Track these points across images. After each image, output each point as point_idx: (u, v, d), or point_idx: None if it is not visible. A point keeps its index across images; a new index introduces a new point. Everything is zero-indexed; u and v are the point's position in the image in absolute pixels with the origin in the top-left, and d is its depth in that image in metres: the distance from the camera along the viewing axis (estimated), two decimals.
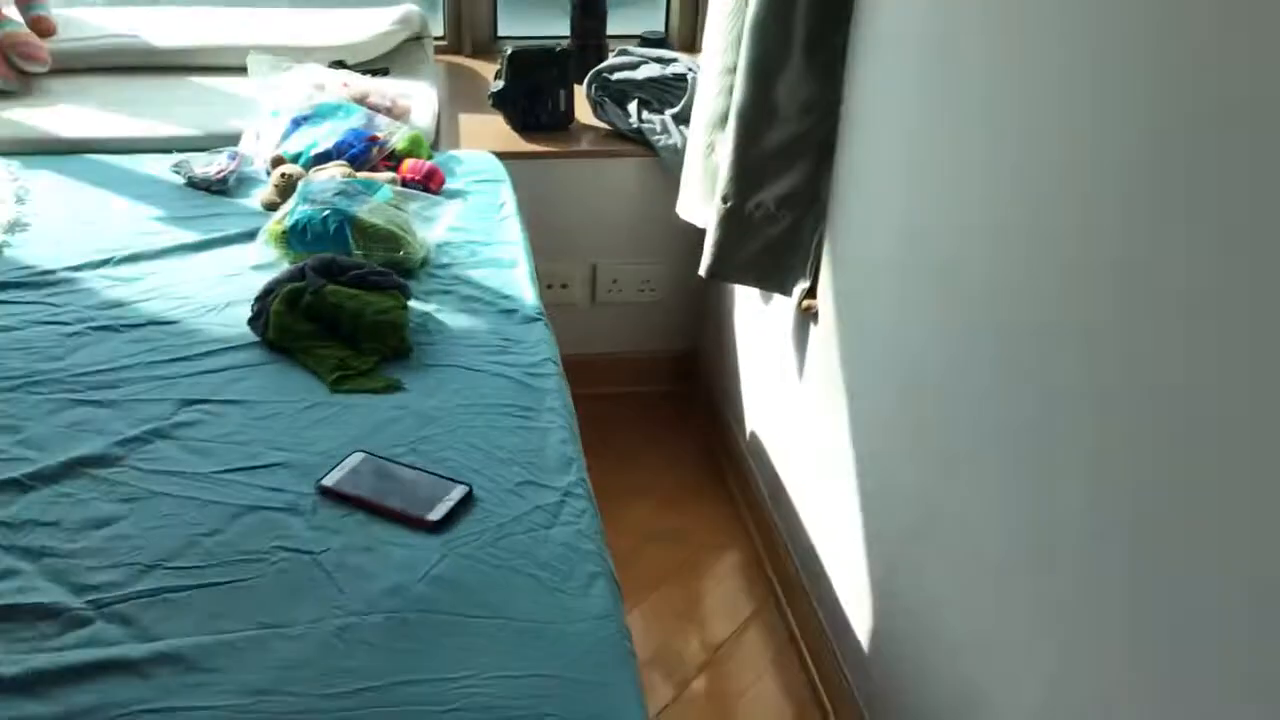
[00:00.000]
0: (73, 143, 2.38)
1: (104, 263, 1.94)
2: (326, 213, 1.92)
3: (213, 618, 1.26)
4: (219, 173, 2.20)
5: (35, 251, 1.97)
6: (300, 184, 2.02)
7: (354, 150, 2.21)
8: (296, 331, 1.72)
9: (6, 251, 1.96)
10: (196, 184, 2.21)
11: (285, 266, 1.93)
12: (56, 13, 2.83)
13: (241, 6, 2.95)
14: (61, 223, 2.07)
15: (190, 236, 2.04)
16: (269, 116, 2.34)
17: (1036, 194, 1.35)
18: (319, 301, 1.75)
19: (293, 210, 1.96)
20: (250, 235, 2.02)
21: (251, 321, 1.76)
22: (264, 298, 1.78)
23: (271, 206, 2.14)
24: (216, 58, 2.72)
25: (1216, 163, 1.03)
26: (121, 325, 1.78)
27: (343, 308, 1.74)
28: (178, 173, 2.24)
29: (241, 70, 2.58)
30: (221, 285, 1.90)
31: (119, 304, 1.83)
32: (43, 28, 2.72)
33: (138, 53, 2.72)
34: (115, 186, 2.22)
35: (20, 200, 2.13)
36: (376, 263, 1.89)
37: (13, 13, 2.76)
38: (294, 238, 1.93)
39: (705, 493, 2.70)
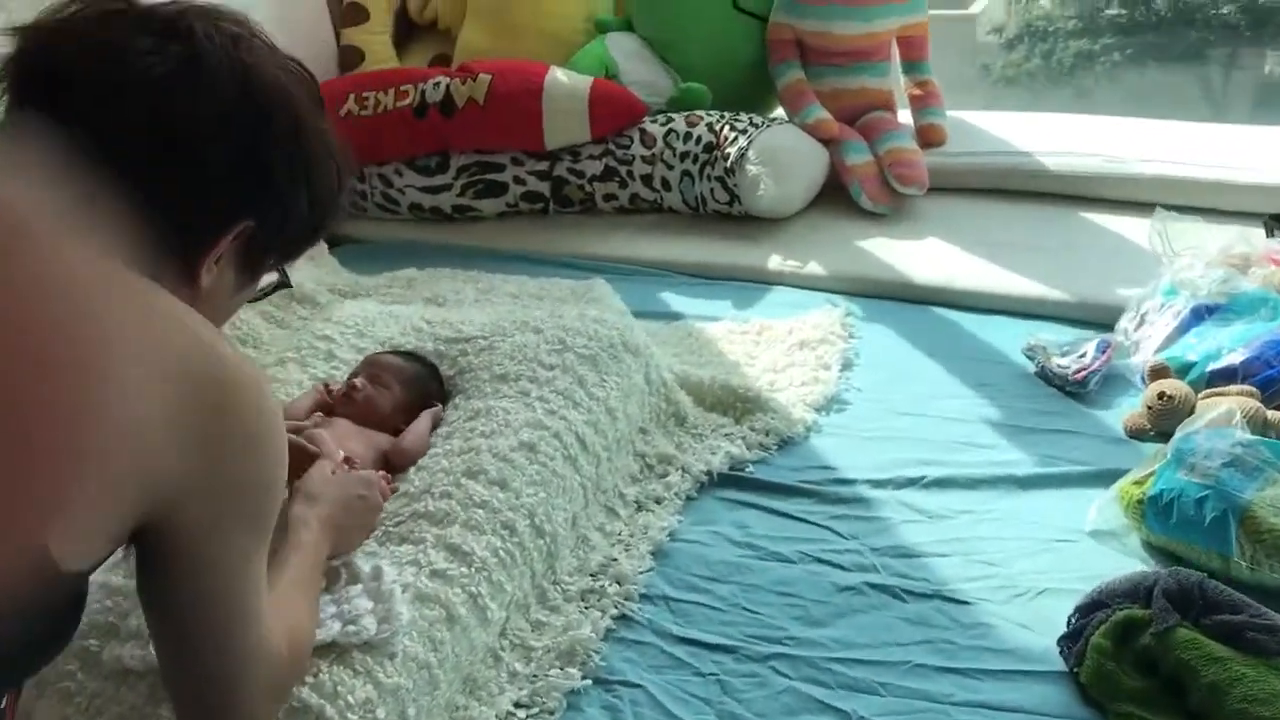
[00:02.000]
0: (922, 290, 2.09)
1: (912, 482, 1.59)
2: (1205, 492, 1.35)
3: None
4: (1079, 372, 1.73)
5: (841, 445, 1.70)
6: (1179, 432, 1.46)
7: (1270, 373, 1.58)
8: (1119, 686, 1.20)
9: (813, 438, 1.72)
10: (1050, 378, 1.77)
11: (1134, 551, 1.41)
12: (952, 115, 2.58)
13: (1177, 119, 2.42)
14: (881, 406, 1.78)
15: (1021, 461, 1.61)
16: (1161, 295, 1.80)
17: None
18: (1162, 649, 1.20)
19: (1161, 470, 1.42)
20: (1099, 479, 1.53)
21: (1063, 641, 1.28)
22: (1087, 611, 1.28)
23: (1138, 433, 1.62)
24: (1118, 189, 2.24)
25: None
26: (903, 590, 1.41)
27: (1196, 673, 1.17)
28: (1031, 358, 1.82)
29: (1150, 208, 2.06)
30: (1041, 554, 1.44)
31: (910, 553, 1.47)
32: (932, 136, 2.48)
33: (1024, 175, 2.35)
34: (955, 360, 1.87)
35: (847, 366, 1.88)
36: (1268, 587, 1.28)
37: (906, 116, 2.57)
38: (1152, 512, 1.39)
39: None
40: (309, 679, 1.19)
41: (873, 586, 1.42)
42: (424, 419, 1.62)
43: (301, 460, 1.41)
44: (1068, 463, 1.60)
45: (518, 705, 1.31)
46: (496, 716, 1.29)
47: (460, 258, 2.41)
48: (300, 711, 1.16)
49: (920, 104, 2.53)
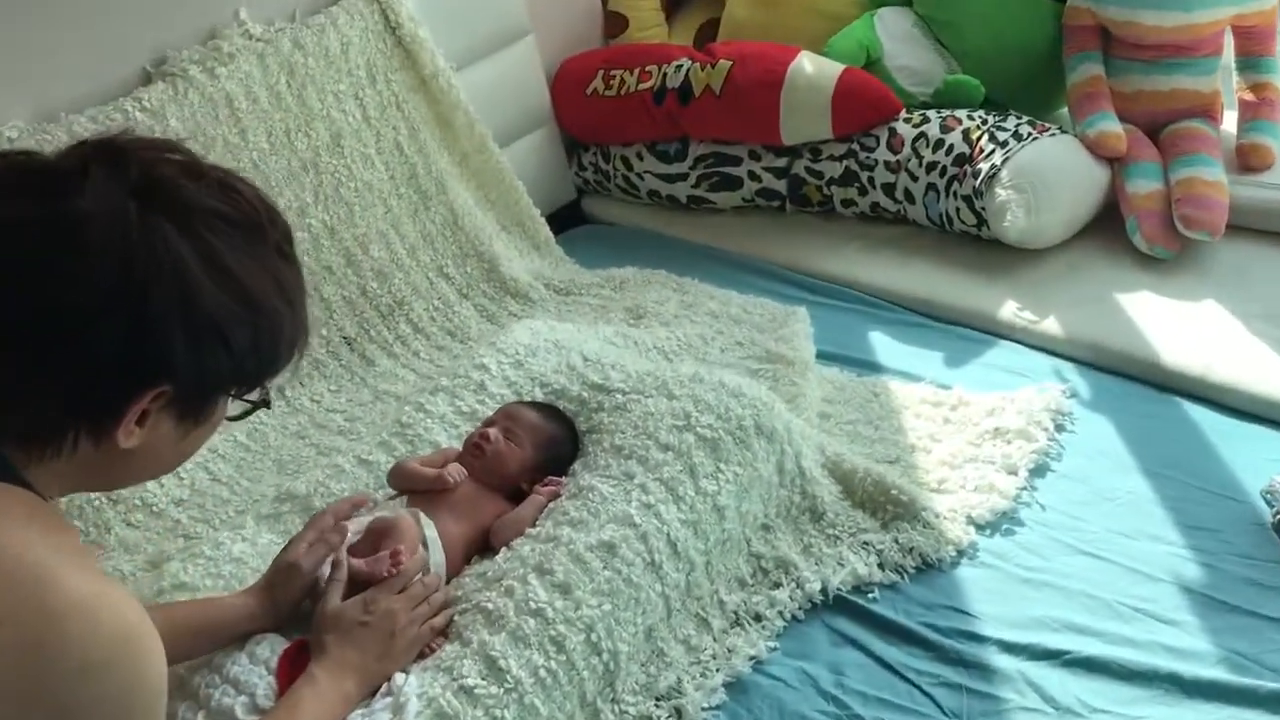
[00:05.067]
0: (1170, 375, 1.71)
1: (1052, 655, 1.31)
2: None
3: None
4: None
5: (989, 582, 1.43)
6: None
7: None
8: None
9: (961, 566, 1.46)
10: None
11: None
12: None
13: None
14: (1059, 535, 1.48)
15: (1201, 655, 1.28)
16: None
17: None
18: None
19: None
20: None
21: None
22: None
23: None
24: None
25: None
26: None
27: None
28: (1270, 504, 1.44)
29: None
30: None
31: None
32: (1254, 159, 2.02)
33: None
34: (1176, 485, 1.52)
35: (1040, 470, 1.58)
36: None
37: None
38: None
39: None
40: None
41: None
42: (530, 504, 1.54)
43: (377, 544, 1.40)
44: (1265, 671, 1.25)
45: None
46: None
47: (688, 255, 2.29)
48: None
49: (1249, 114, 2.04)
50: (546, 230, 2.37)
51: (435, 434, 1.72)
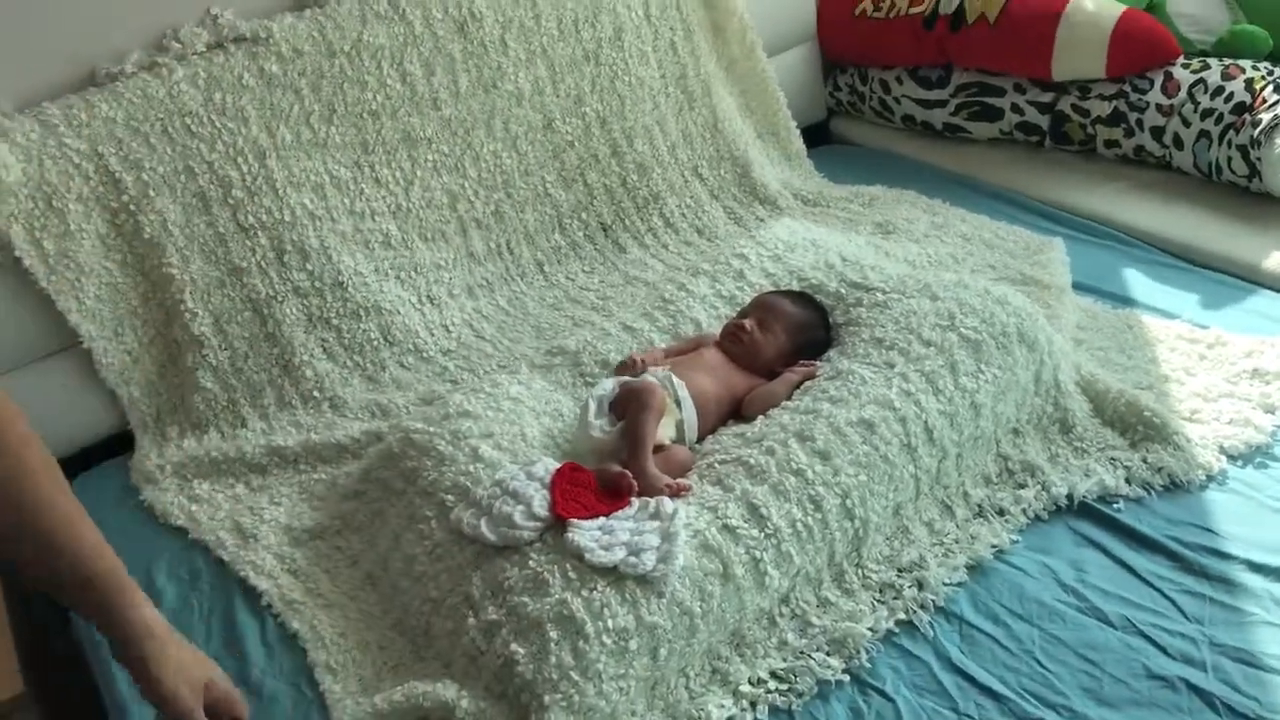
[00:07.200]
0: None
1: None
2: None
3: None
4: None
5: (1239, 508, 1.45)
6: None
7: None
8: None
9: (1210, 490, 1.48)
10: None
11: None
12: None
13: None
14: None
15: None
16: None
17: None
18: None
19: None
20: None
21: None
22: None
23: None
24: None
25: None
26: (1224, 703, 1.22)
27: None
28: None
29: None
30: None
31: (1255, 663, 1.26)
32: None
33: None
34: None
35: None
36: None
37: None
38: None
39: None
40: (584, 593, 1.31)
41: (1190, 686, 1.25)
42: (783, 381, 1.64)
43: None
44: None
45: (773, 674, 1.35)
46: (750, 679, 1.34)
47: (937, 181, 2.32)
48: (566, 620, 1.30)
49: None
50: (800, 142, 2.44)
51: (696, 311, 1.83)
